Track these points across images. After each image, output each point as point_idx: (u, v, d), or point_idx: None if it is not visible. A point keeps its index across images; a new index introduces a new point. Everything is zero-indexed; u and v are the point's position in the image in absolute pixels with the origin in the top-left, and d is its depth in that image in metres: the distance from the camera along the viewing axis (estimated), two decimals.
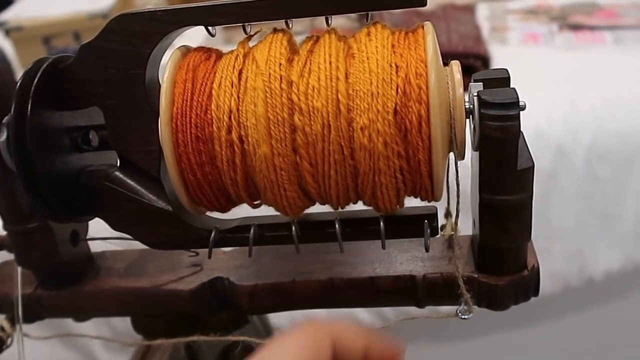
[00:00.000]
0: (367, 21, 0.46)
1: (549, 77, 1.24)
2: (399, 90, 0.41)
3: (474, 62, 1.25)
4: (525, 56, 1.34)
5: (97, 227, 0.56)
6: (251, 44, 0.46)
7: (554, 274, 1.18)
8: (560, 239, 1.17)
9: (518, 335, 1.28)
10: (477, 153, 0.45)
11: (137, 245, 0.55)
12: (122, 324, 1.15)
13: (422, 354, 1.26)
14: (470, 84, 0.45)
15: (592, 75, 1.24)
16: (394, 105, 0.41)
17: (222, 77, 0.44)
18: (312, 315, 0.53)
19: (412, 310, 0.55)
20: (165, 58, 0.48)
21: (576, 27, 1.42)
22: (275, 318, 0.70)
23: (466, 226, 0.53)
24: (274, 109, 0.42)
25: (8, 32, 1.58)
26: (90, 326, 1.12)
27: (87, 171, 0.50)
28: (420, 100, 0.41)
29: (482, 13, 1.56)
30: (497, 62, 1.28)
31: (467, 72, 0.45)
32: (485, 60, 1.28)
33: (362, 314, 1.18)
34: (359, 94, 0.41)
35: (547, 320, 1.27)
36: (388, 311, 1.18)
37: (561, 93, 1.18)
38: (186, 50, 0.47)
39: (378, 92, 0.41)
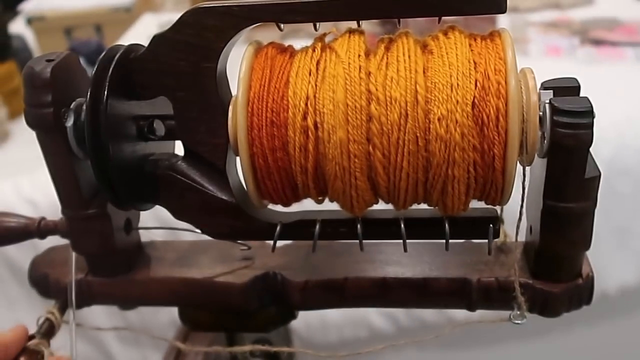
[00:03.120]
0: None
1: None
2: (478, 84, 0.42)
3: None
4: (547, 68, 1.34)
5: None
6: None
7: None
8: None
9: (529, 348, 1.28)
10: (542, 160, 0.46)
11: (184, 236, 0.55)
12: (136, 317, 1.15)
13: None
14: (540, 91, 0.46)
15: (614, 91, 1.25)
16: (472, 98, 0.41)
17: (299, 66, 0.45)
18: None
19: (457, 313, 0.55)
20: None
21: (598, 42, 1.43)
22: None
23: (514, 233, 0.54)
24: (353, 95, 0.42)
25: (30, 22, 1.59)
26: (104, 318, 1.12)
27: (150, 160, 0.50)
28: (498, 95, 0.41)
29: (503, 24, 1.57)
30: None
31: None
32: None
33: (375, 317, 1.18)
34: (437, 86, 0.42)
35: (559, 334, 1.27)
36: (402, 317, 1.19)
37: None
38: (258, 45, 0.48)
39: (458, 84, 0.41)
